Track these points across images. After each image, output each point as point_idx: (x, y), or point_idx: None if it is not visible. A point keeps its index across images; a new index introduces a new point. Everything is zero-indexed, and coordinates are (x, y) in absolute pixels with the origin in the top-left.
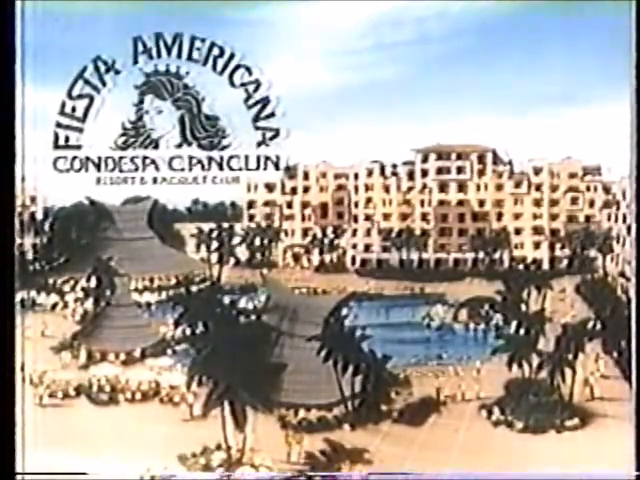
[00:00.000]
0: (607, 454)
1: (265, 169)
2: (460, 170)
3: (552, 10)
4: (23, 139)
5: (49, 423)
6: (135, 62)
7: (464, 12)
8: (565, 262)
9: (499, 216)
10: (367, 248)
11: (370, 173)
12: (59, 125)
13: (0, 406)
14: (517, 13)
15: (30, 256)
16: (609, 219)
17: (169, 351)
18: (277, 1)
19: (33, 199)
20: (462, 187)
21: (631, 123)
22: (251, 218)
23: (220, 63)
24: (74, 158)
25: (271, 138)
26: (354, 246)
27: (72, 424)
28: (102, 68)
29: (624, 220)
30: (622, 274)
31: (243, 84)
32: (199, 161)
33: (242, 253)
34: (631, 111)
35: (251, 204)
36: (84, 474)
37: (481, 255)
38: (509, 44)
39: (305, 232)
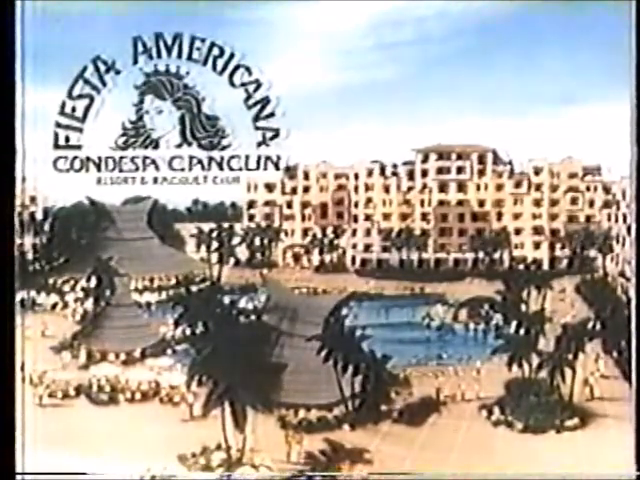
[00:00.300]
0: (607, 454)
1: (265, 169)
2: (460, 170)
3: (552, 10)
4: (23, 139)
5: (49, 423)
6: (135, 62)
7: (464, 12)
8: (565, 262)
9: (499, 216)
10: (367, 248)
11: (370, 173)
12: (59, 125)
13: (0, 406)
14: (517, 13)
15: (30, 256)
16: (609, 219)
17: (169, 351)
18: (277, 1)
19: (33, 199)
20: (462, 187)
21: (631, 123)
22: (251, 218)
23: (220, 63)
24: (74, 158)
25: (271, 138)
26: (354, 246)
27: (72, 424)
28: (102, 68)
29: (624, 220)
30: (622, 274)
31: (243, 84)
32: (199, 161)
33: (242, 253)
34: (631, 111)
35: (251, 204)
36: (84, 474)
37: (481, 255)
38: (509, 44)
39: (305, 232)
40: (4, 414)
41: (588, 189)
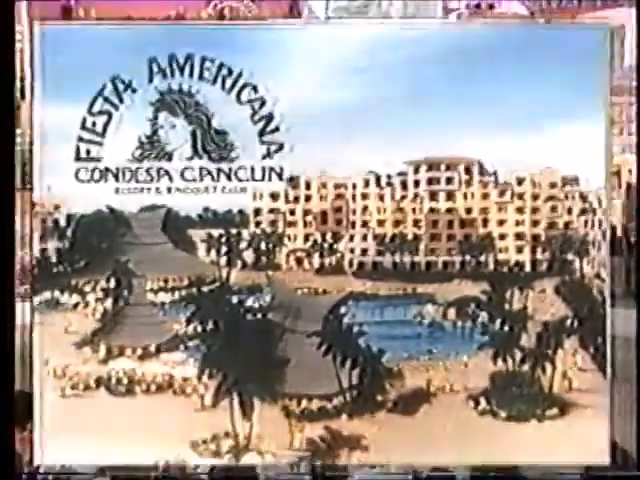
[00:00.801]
0: (583, 441)
1: (270, 180)
2: (449, 180)
3: (537, 36)
4: (43, 152)
5: (71, 413)
6: (150, 81)
7: (451, 37)
8: (545, 265)
9: (485, 222)
10: (364, 252)
11: (366, 183)
12: (80, 139)
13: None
14: (504, 37)
15: (54, 259)
16: (586, 225)
17: (182, 346)
18: (283, 27)
19: (57, 207)
20: (451, 196)
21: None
22: (257, 224)
23: (228, 82)
24: (94, 169)
25: (275, 151)
26: (351, 250)
27: (92, 414)
28: (120, 87)
29: (600, 226)
30: (598, 276)
31: (249, 101)
32: (209, 172)
33: (249, 256)
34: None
35: (257, 212)
36: (98, 466)
37: (468, 258)
38: (497, 65)
39: (306, 237)
40: (3, 412)
41: (567, 198)
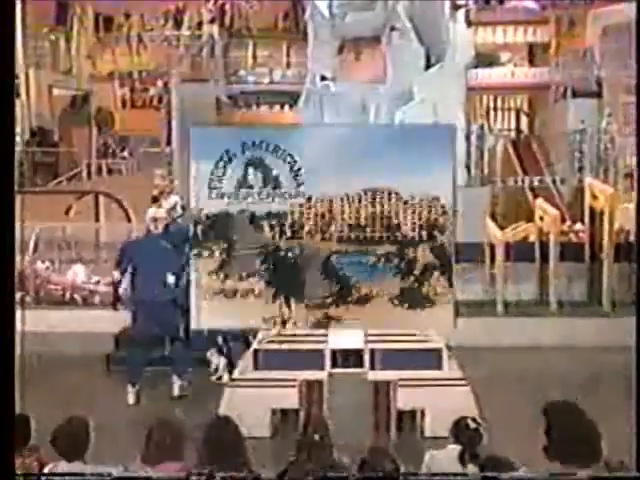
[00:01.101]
0: (444, 321)
1: (297, 198)
2: (381, 199)
3: (425, 131)
4: (195, 186)
5: (210, 305)
6: (243, 153)
7: (387, 130)
8: (425, 237)
9: (397, 217)
10: (341, 232)
11: (341, 200)
12: (211, 180)
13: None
14: (409, 135)
15: (200, 237)
16: (444, 221)
17: (257, 275)
18: (306, 128)
19: (200, 210)
20: (382, 205)
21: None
22: (292, 218)
23: (279, 153)
24: (218, 193)
25: (300, 185)
26: (336, 230)
27: (220, 306)
28: (230, 155)
29: (450, 220)
30: (449, 243)
31: (289, 162)
32: (270, 194)
33: (289, 233)
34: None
35: (292, 213)
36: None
37: (389, 234)
38: (402, 149)
39: (315, 224)
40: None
41: (435, 207)
